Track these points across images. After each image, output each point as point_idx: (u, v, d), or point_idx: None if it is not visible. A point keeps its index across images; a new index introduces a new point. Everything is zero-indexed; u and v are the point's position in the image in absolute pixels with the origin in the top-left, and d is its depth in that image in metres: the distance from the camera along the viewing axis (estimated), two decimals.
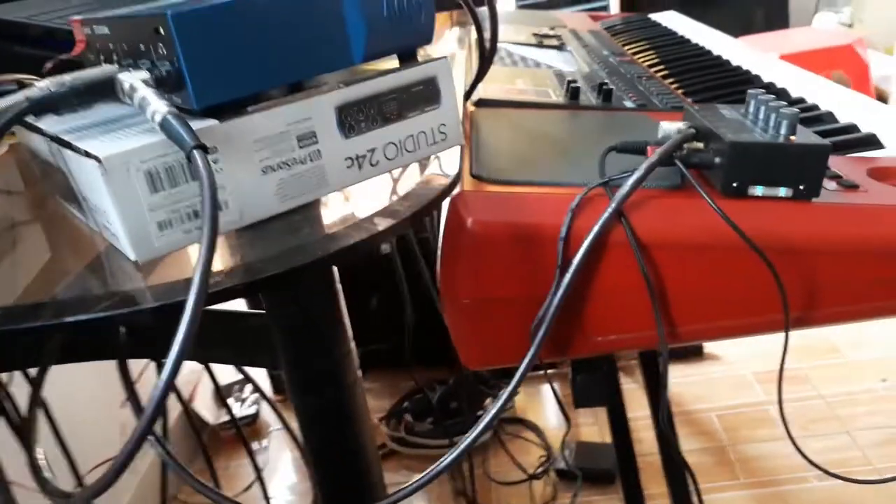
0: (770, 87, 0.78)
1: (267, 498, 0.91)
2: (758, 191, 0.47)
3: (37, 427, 0.47)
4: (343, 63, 0.42)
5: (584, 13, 1.52)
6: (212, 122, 0.37)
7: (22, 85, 0.45)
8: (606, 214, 0.45)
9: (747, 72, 0.85)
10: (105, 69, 0.40)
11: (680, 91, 0.80)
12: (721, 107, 0.54)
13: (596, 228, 0.45)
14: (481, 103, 0.70)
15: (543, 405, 1.60)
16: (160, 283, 0.36)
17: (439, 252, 0.50)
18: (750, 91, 0.52)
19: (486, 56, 0.59)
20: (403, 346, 1.64)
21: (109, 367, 1.32)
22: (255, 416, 1.62)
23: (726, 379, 1.56)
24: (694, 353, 1.62)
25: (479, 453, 1.39)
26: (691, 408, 1.45)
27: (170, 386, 0.30)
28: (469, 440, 0.44)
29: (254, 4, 0.37)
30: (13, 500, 0.80)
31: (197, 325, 0.30)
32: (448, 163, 0.47)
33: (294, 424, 0.84)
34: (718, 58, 0.94)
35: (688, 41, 1.10)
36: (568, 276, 0.45)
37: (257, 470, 0.87)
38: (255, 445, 1.57)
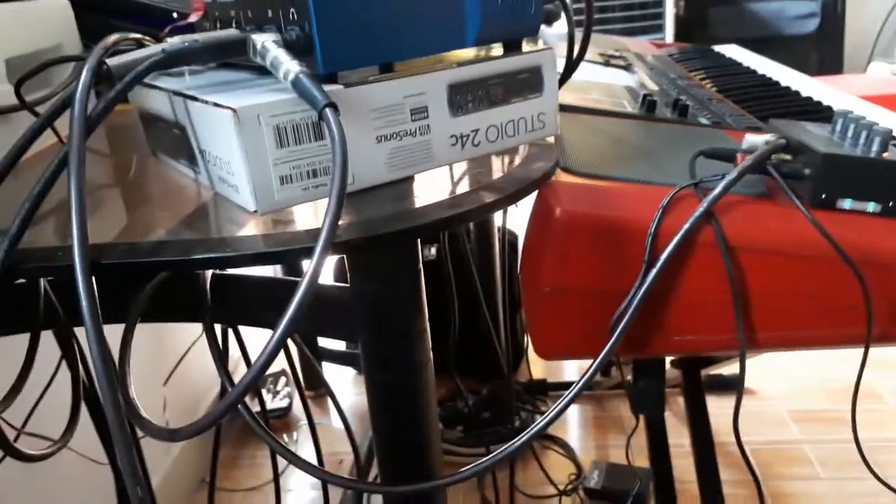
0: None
1: (278, 483, 0.92)
2: (846, 204, 0.48)
3: (129, 372, 0.49)
4: (456, 45, 0.43)
5: (644, 41, 1.54)
6: (337, 86, 0.39)
7: (141, 44, 0.48)
8: (697, 213, 0.46)
9: (819, 102, 0.86)
10: (234, 32, 0.42)
11: (752, 115, 0.81)
12: (806, 124, 0.55)
13: (686, 226, 0.46)
14: (560, 108, 0.71)
15: (571, 425, 1.60)
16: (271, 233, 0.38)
17: (524, 239, 0.51)
18: (837, 110, 0.53)
19: (576, 57, 0.60)
20: (440, 353, 1.66)
21: (153, 344, 1.34)
22: (286, 410, 1.63)
23: (763, 415, 1.54)
24: (731, 387, 1.61)
25: (507, 465, 1.39)
26: (726, 440, 1.43)
27: (289, 332, 0.31)
28: (534, 431, 0.45)
29: None
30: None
31: (320, 273, 0.32)
32: (544, 152, 0.49)
33: (318, 420, 0.85)
34: (788, 89, 0.95)
35: (754, 72, 1.11)
36: (654, 272, 0.46)
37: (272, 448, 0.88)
38: (284, 438, 1.58)
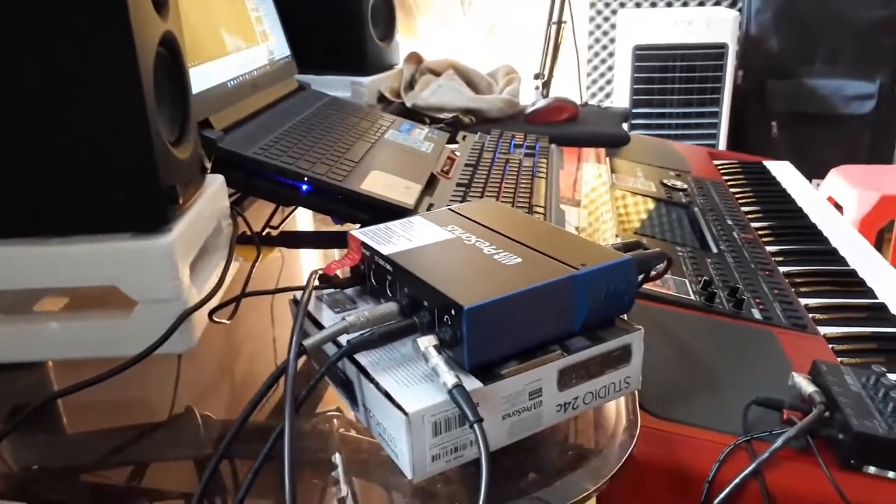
0: (883, 311, 0.88)
1: None
2: (871, 470, 0.58)
3: None
4: (565, 333, 0.55)
5: (701, 148, 1.63)
6: (478, 384, 0.50)
7: (324, 279, 0.60)
8: (746, 472, 0.57)
9: (862, 281, 0.96)
10: (402, 324, 0.53)
11: (799, 288, 0.92)
12: (846, 371, 0.66)
13: (736, 481, 0.57)
14: None
15: None
16: None
17: None
18: (874, 367, 0.64)
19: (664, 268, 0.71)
20: None
21: None
22: None
23: None
24: None
25: None
26: None
27: None
28: None
29: (524, 297, 0.51)
30: None
31: None
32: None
33: None
34: (835, 253, 1.05)
35: (805, 219, 1.21)
36: None
37: None
38: None
